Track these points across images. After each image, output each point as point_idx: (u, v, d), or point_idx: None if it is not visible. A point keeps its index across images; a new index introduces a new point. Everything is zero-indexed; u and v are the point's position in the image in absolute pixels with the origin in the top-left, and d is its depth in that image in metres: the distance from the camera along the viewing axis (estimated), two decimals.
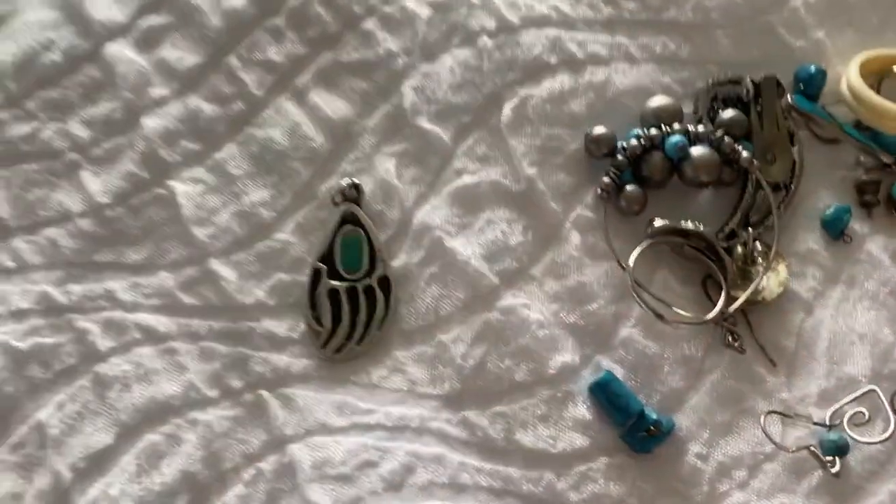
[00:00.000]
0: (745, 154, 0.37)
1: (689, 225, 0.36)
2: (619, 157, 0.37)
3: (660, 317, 0.35)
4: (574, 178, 0.38)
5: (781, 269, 0.37)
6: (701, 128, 0.37)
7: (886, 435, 0.34)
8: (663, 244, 0.37)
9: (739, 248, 0.37)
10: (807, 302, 0.37)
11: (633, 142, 0.37)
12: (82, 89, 0.38)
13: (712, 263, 0.36)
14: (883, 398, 0.35)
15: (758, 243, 0.37)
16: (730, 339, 0.36)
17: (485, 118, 0.38)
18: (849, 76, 0.39)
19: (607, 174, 0.37)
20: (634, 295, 0.35)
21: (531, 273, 0.36)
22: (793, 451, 0.34)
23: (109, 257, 0.36)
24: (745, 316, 0.37)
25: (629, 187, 0.37)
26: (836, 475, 0.33)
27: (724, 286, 0.36)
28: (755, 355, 0.36)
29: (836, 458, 0.34)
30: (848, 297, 0.38)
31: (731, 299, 0.36)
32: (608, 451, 0.34)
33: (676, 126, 0.37)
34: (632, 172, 0.37)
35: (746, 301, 0.36)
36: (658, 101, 0.38)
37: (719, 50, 0.40)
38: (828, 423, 0.35)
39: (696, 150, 0.37)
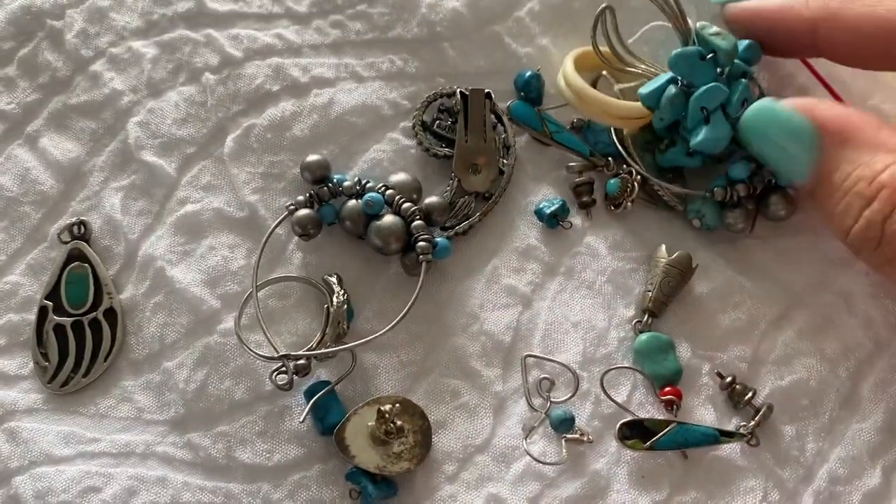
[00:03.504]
0: (421, 244, 0.37)
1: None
2: (324, 187, 0.38)
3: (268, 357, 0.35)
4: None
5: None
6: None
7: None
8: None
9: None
10: (525, 296, 0.39)
11: (347, 183, 0.38)
12: None
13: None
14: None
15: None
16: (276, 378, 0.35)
17: (209, 149, 0.40)
18: (564, 69, 0.40)
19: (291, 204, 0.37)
20: (238, 335, 0.36)
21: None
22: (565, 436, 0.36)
23: None
24: None
25: (301, 211, 0.37)
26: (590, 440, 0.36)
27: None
28: (470, 351, 0.38)
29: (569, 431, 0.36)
30: (565, 287, 0.39)
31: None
32: (322, 459, 0.36)
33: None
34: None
35: None
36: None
37: (448, 63, 0.42)
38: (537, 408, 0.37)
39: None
